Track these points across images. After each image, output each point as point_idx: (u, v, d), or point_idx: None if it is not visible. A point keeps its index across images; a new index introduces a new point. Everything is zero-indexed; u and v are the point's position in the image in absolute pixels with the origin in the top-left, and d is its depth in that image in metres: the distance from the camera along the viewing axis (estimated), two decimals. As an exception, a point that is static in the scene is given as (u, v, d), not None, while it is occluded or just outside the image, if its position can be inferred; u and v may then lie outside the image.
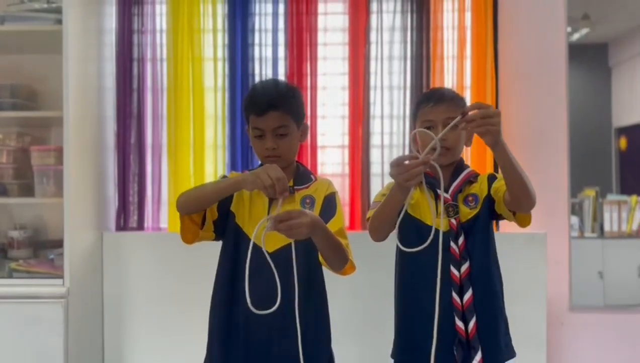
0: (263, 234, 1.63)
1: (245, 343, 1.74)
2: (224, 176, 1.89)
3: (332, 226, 1.74)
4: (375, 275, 2.43)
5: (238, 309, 1.75)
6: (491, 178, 1.83)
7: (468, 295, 1.74)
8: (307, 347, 1.73)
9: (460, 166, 1.86)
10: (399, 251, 1.87)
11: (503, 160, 1.60)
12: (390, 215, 1.73)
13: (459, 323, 1.72)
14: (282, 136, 1.77)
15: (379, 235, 1.80)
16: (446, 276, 1.72)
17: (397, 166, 1.59)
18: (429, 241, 1.60)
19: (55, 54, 2.69)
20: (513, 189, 1.64)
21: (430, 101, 1.82)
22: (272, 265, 1.64)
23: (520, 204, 1.69)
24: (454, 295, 1.73)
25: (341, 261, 1.74)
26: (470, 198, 1.81)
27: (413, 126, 1.90)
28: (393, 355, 1.90)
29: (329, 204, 1.80)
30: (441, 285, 1.62)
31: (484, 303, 1.76)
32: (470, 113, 1.55)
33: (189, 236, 1.81)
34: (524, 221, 1.77)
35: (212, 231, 1.81)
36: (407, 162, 1.58)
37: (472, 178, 1.83)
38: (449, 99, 1.82)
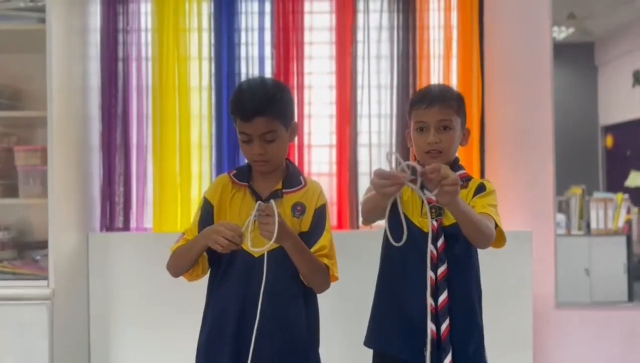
0: (265, 235, 1.62)
1: (236, 346, 1.71)
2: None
3: (319, 244, 1.74)
4: (363, 274, 2.41)
5: (230, 311, 1.73)
6: (478, 190, 1.82)
7: (443, 297, 1.74)
8: (298, 349, 1.74)
9: (452, 167, 1.81)
10: (384, 243, 1.88)
11: (456, 215, 1.65)
12: (373, 210, 1.76)
13: (431, 324, 1.71)
14: (270, 141, 1.71)
15: (367, 220, 1.83)
16: (423, 277, 1.72)
17: (377, 177, 1.60)
18: (404, 238, 1.63)
19: (39, 53, 2.66)
20: (468, 235, 1.69)
21: (423, 103, 1.81)
22: (264, 268, 1.64)
23: (476, 244, 1.74)
24: (428, 296, 1.72)
25: (321, 285, 1.75)
26: None
27: (408, 124, 1.89)
28: (367, 343, 1.89)
29: (319, 220, 1.78)
30: (417, 285, 1.63)
31: (458, 307, 1.75)
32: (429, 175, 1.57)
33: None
34: (495, 245, 1.78)
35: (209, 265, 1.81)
36: (384, 180, 1.58)
37: (463, 181, 1.78)
38: (442, 100, 1.81)
